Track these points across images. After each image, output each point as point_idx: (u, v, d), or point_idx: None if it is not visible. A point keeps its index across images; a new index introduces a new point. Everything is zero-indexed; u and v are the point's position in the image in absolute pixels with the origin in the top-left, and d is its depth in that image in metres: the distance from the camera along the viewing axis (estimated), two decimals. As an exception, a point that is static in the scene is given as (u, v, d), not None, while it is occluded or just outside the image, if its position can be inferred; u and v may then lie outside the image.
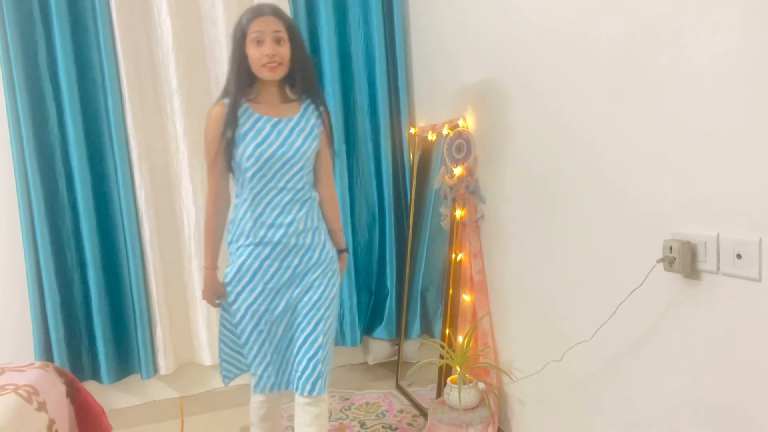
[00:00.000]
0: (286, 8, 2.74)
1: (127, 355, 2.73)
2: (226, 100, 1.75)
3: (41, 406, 1.65)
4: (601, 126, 1.59)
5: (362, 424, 2.46)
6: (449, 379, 2.17)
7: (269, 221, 1.75)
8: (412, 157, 2.87)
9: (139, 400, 2.85)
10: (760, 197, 1.17)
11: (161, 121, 2.72)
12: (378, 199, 2.99)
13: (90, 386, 2.54)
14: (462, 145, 2.28)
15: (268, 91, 1.78)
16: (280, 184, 1.75)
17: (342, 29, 2.89)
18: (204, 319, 2.80)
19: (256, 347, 1.82)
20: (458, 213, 2.30)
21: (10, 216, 2.57)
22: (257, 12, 1.71)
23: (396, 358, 2.95)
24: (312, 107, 1.83)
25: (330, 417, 2.32)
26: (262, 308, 1.78)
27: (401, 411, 2.57)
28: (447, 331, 2.34)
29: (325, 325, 1.78)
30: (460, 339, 2.21)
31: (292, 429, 2.32)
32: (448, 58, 2.49)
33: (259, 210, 1.76)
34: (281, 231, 1.75)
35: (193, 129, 2.72)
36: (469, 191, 2.26)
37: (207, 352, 2.81)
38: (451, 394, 2.10)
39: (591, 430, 1.77)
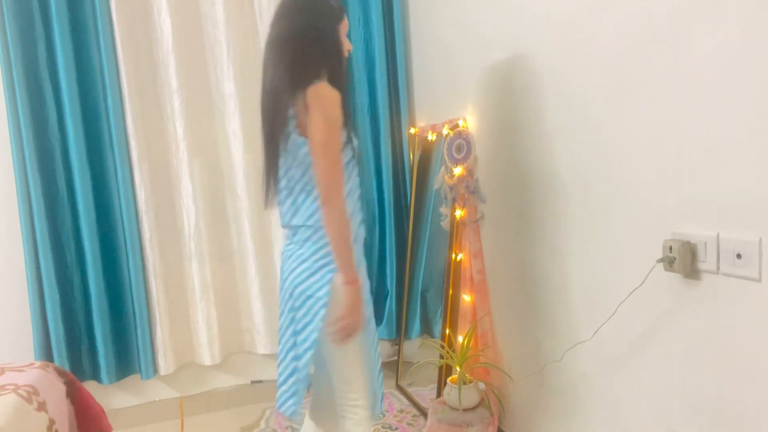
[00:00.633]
0: (286, 8, 2.74)
1: (127, 355, 2.73)
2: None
3: (41, 406, 1.65)
4: (601, 126, 1.59)
5: (362, 424, 2.46)
6: (449, 379, 2.17)
7: (359, 218, 1.61)
8: (412, 157, 2.87)
9: (139, 400, 2.85)
10: (760, 197, 1.17)
11: (161, 121, 2.72)
12: (378, 199, 2.99)
13: (90, 386, 2.54)
14: (462, 145, 2.28)
15: None
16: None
17: (342, 29, 2.89)
18: (204, 319, 2.80)
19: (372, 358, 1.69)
20: (458, 213, 2.30)
21: (10, 216, 2.57)
22: (343, 10, 1.62)
23: (396, 358, 2.95)
24: None
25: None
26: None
27: (401, 411, 2.57)
28: (447, 331, 2.34)
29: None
30: (460, 339, 2.21)
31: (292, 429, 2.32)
32: (448, 58, 2.49)
33: (356, 207, 1.61)
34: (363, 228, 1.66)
35: (193, 129, 2.72)
36: (469, 191, 2.26)
37: (207, 352, 2.81)
38: (451, 394, 2.10)
39: (591, 430, 1.77)
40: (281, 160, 1.56)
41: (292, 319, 1.56)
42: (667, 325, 1.42)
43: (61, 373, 1.92)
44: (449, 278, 2.34)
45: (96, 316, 2.63)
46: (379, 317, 3.01)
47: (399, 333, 2.89)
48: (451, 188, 2.33)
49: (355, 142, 1.62)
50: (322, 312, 1.49)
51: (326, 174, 1.48)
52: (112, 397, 2.77)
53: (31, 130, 2.48)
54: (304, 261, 1.55)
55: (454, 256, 2.32)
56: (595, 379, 1.71)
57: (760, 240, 1.17)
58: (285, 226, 1.62)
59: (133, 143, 2.60)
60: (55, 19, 2.48)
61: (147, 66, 2.68)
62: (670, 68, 1.34)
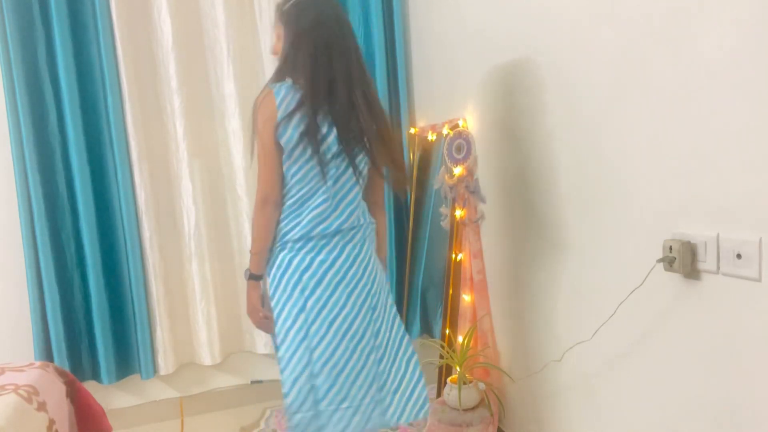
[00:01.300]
0: (286, 8, 2.74)
1: (127, 355, 2.72)
2: None
3: (41, 406, 1.64)
4: (601, 126, 1.59)
5: (362, 424, 2.46)
6: (449, 379, 2.17)
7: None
8: (412, 157, 2.87)
9: (139, 400, 2.85)
10: (760, 197, 1.17)
11: (161, 121, 2.72)
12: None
13: (90, 386, 2.54)
14: (462, 145, 2.28)
15: None
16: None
17: (342, 29, 2.88)
18: (204, 319, 2.80)
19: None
20: (458, 213, 2.30)
21: (10, 216, 2.57)
22: None
23: (396, 358, 2.95)
24: None
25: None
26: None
27: (401, 411, 2.57)
28: (447, 331, 2.34)
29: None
30: (460, 339, 2.21)
31: None
32: (448, 58, 2.49)
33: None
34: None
35: (193, 129, 2.72)
36: (469, 191, 2.26)
37: (207, 352, 2.81)
38: (451, 394, 2.10)
39: (591, 430, 1.77)
40: None
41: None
42: (667, 325, 1.42)
43: (61, 373, 1.92)
44: (449, 278, 2.34)
45: (96, 316, 2.63)
46: (379, 317, 3.00)
47: (399, 333, 2.89)
48: (451, 188, 2.33)
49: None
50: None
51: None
52: (112, 397, 2.77)
53: (31, 130, 2.47)
54: None
55: (454, 256, 2.32)
56: (595, 379, 1.71)
57: (760, 240, 1.17)
58: None
59: (133, 143, 2.60)
60: (55, 19, 2.48)
61: (147, 66, 2.67)
62: (671, 68, 1.34)
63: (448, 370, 2.28)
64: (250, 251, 1.67)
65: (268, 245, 1.65)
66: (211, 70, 2.77)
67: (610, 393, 1.66)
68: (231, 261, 2.88)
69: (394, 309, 1.75)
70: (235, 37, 2.72)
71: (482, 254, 2.29)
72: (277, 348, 1.65)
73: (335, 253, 1.63)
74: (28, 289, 2.55)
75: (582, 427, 1.81)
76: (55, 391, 1.80)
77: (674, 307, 1.40)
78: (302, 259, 1.62)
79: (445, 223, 2.39)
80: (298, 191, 1.63)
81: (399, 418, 1.65)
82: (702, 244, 1.29)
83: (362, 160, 1.68)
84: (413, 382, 1.69)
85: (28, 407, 1.59)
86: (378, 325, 1.67)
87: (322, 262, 1.62)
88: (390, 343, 1.69)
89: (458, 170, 2.28)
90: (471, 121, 2.30)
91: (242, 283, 2.86)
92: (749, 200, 1.19)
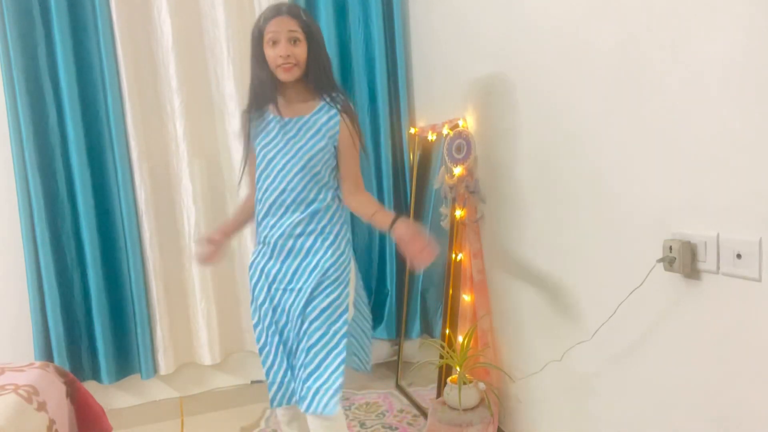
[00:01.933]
0: (286, 8, 2.74)
1: (127, 354, 2.73)
2: (247, 104, 1.79)
3: (41, 406, 1.65)
4: (601, 125, 1.59)
5: (362, 424, 2.46)
6: (449, 379, 2.17)
7: (271, 222, 1.75)
8: (412, 157, 2.87)
9: (139, 400, 2.85)
10: (760, 197, 1.17)
11: (161, 121, 2.72)
12: (378, 199, 2.99)
13: (90, 386, 2.54)
14: (462, 145, 2.28)
15: (287, 90, 1.74)
16: (282, 185, 1.71)
17: (342, 29, 2.89)
18: (204, 319, 2.80)
19: (265, 350, 1.78)
20: (458, 213, 2.30)
21: (10, 216, 2.57)
22: (275, 11, 1.68)
23: (396, 358, 2.95)
24: (327, 107, 1.74)
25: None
26: (271, 308, 1.77)
27: (401, 411, 2.57)
28: (447, 331, 2.34)
29: (326, 337, 1.68)
30: (460, 339, 2.21)
31: None
32: (448, 58, 2.49)
33: (264, 210, 1.76)
34: (278, 232, 1.73)
35: (193, 129, 2.72)
36: (469, 191, 2.26)
37: (207, 352, 2.81)
38: (451, 394, 2.10)
39: (591, 430, 1.77)
40: None
41: None
42: (667, 325, 1.42)
43: (61, 373, 1.92)
44: (449, 278, 2.34)
45: (96, 316, 2.63)
46: (379, 317, 3.01)
47: (399, 333, 2.89)
48: (451, 188, 2.33)
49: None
50: None
51: None
52: (112, 397, 2.78)
53: (31, 130, 2.48)
54: None
55: (454, 256, 2.32)
56: (595, 379, 1.71)
57: (760, 240, 1.17)
58: None
59: (133, 143, 2.60)
60: (55, 19, 2.48)
61: (147, 66, 2.68)
62: (670, 68, 1.34)
63: (448, 370, 2.28)
64: (379, 213, 1.77)
65: None
66: (211, 70, 2.77)
67: (610, 393, 1.66)
68: (231, 261, 2.88)
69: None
70: (235, 37, 2.72)
71: (482, 254, 2.29)
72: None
73: None
74: (28, 289, 2.55)
75: (582, 427, 1.81)
76: (55, 391, 1.80)
77: (674, 307, 1.40)
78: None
79: (445, 223, 2.39)
80: None
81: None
82: (702, 244, 1.29)
83: None
84: None
85: (28, 407, 1.59)
86: None
87: None
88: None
89: (458, 170, 2.28)
90: (471, 121, 2.30)
91: (242, 283, 2.88)
92: (749, 200, 1.19)
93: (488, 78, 2.16)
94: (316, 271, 1.70)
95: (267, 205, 1.74)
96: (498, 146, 2.13)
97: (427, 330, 2.73)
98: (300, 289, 1.71)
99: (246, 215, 1.89)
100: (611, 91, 1.53)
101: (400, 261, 2.93)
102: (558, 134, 1.78)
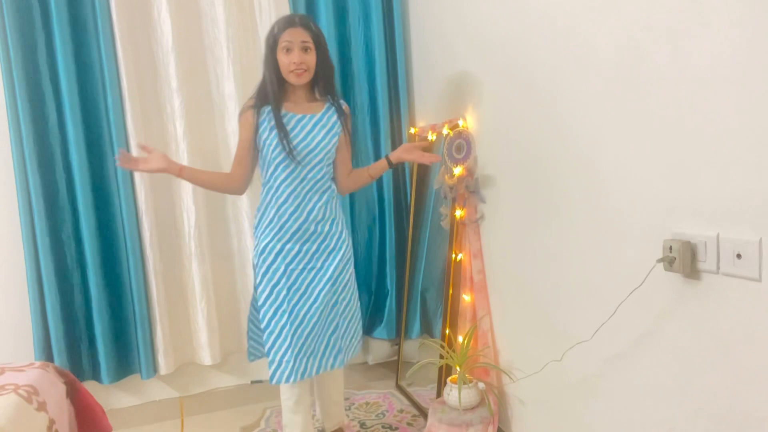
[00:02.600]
0: (286, 9, 2.74)
1: (127, 355, 2.73)
2: (254, 101, 2.00)
3: (41, 406, 1.65)
4: (601, 125, 1.59)
5: (362, 424, 2.46)
6: (449, 379, 2.17)
7: (290, 209, 1.94)
8: (412, 157, 2.87)
9: (139, 400, 2.85)
10: (760, 197, 1.17)
11: (161, 121, 2.72)
12: (378, 199, 2.99)
13: (90, 386, 2.54)
14: (462, 145, 2.28)
15: (296, 92, 2.00)
16: (302, 175, 1.95)
17: (342, 29, 2.89)
18: (204, 319, 2.80)
19: (277, 330, 1.91)
20: (458, 213, 2.30)
21: (10, 216, 2.57)
22: (289, 22, 1.93)
23: (396, 358, 2.95)
24: (333, 108, 2.04)
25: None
26: (286, 287, 1.92)
27: (401, 411, 2.57)
28: (447, 331, 2.34)
29: (341, 307, 2.00)
30: (460, 339, 2.21)
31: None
32: (448, 58, 2.49)
33: (282, 198, 1.95)
34: (302, 218, 1.95)
35: (193, 129, 2.72)
36: (469, 191, 2.26)
37: (207, 352, 2.81)
38: (451, 394, 2.10)
39: (591, 430, 1.77)
40: None
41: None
42: (667, 325, 1.42)
43: (61, 373, 1.92)
44: (449, 278, 2.34)
45: (96, 316, 2.63)
46: (379, 317, 3.01)
47: (399, 333, 2.89)
48: (451, 188, 2.33)
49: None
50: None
51: None
52: (112, 397, 2.78)
53: (31, 130, 2.48)
54: None
55: (454, 256, 2.32)
56: (595, 379, 1.71)
57: (760, 240, 1.17)
58: None
59: (133, 143, 2.60)
60: (55, 19, 2.48)
61: (147, 66, 2.68)
62: (670, 68, 1.34)
63: (448, 370, 2.28)
64: (371, 167, 2.21)
65: None
66: (211, 70, 2.77)
67: (610, 393, 1.66)
68: (231, 261, 2.88)
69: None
70: (235, 37, 2.72)
71: (482, 254, 2.29)
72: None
73: None
74: (28, 289, 2.55)
75: (582, 427, 1.81)
76: (55, 391, 1.80)
77: (674, 307, 1.40)
78: None
79: (445, 223, 2.39)
80: None
81: None
82: (702, 244, 1.29)
83: None
84: None
85: (28, 407, 1.60)
86: None
87: None
88: None
89: (458, 170, 2.28)
90: (471, 121, 2.30)
91: (242, 284, 2.89)
92: (749, 200, 1.19)
93: (489, 78, 2.16)
94: (336, 252, 1.99)
95: (287, 192, 1.95)
96: (498, 146, 2.13)
97: (427, 330, 2.73)
98: (321, 269, 1.97)
99: (214, 184, 2.07)
100: (611, 91, 1.53)
101: (400, 261, 2.94)
102: (558, 134, 1.78)
